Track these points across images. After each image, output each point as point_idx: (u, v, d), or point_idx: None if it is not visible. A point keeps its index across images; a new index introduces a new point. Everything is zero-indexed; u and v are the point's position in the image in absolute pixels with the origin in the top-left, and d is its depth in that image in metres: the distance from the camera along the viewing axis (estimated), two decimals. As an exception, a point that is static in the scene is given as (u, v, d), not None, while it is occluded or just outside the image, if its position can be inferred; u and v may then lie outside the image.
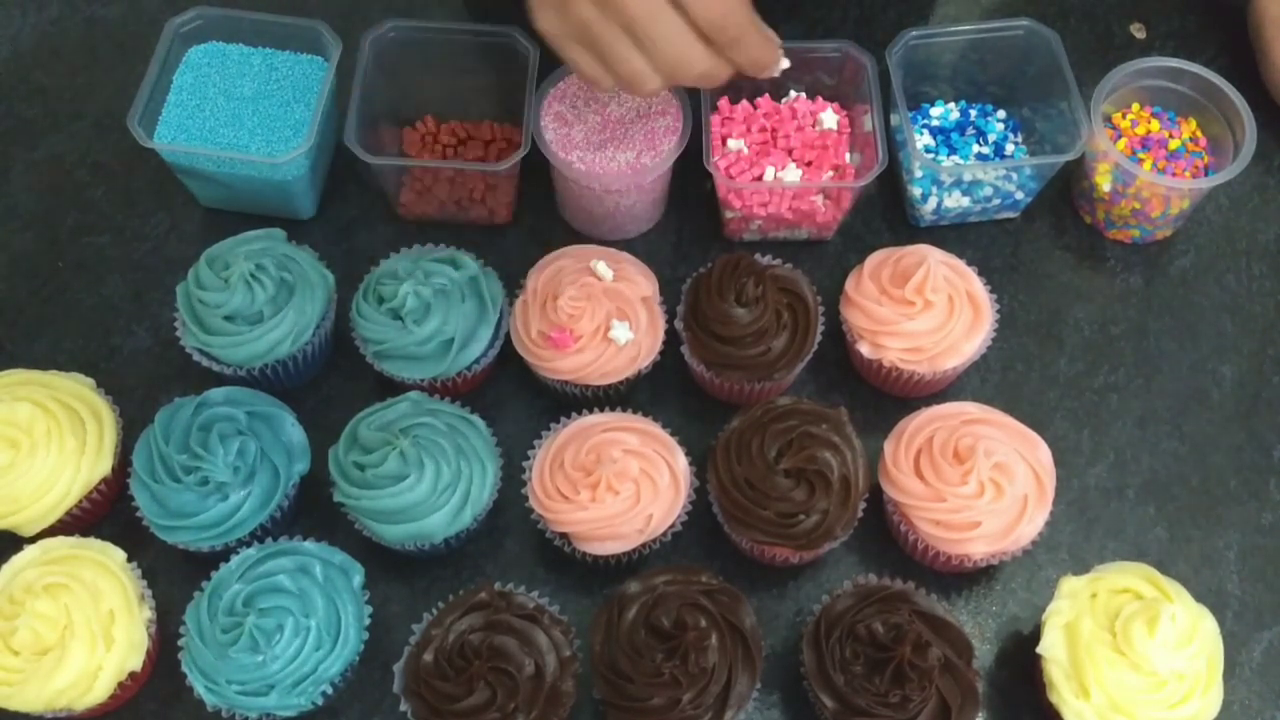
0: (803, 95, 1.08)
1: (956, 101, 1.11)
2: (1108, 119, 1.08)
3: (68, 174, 1.11)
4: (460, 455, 0.90)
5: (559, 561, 0.94)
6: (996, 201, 1.06)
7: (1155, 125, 1.07)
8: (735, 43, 0.85)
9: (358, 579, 0.89)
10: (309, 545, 0.89)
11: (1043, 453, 0.92)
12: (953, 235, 1.08)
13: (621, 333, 0.94)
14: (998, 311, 0.99)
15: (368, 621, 0.88)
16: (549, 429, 0.94)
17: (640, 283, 0.97)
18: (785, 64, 0.90)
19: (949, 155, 1.07)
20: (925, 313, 0.95)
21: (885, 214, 1.09)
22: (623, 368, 0.95)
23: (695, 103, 1.03)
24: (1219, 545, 0.96)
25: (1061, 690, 0.84)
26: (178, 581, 0.93)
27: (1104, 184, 1.04)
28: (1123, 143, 1.06)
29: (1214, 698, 0.84)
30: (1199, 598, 0.87)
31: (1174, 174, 1.05)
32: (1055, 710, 0.84)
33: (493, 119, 1.07)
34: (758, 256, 0.98)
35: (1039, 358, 1.03)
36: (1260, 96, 1.11)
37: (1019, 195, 1.05)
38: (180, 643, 0.87)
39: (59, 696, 0.84)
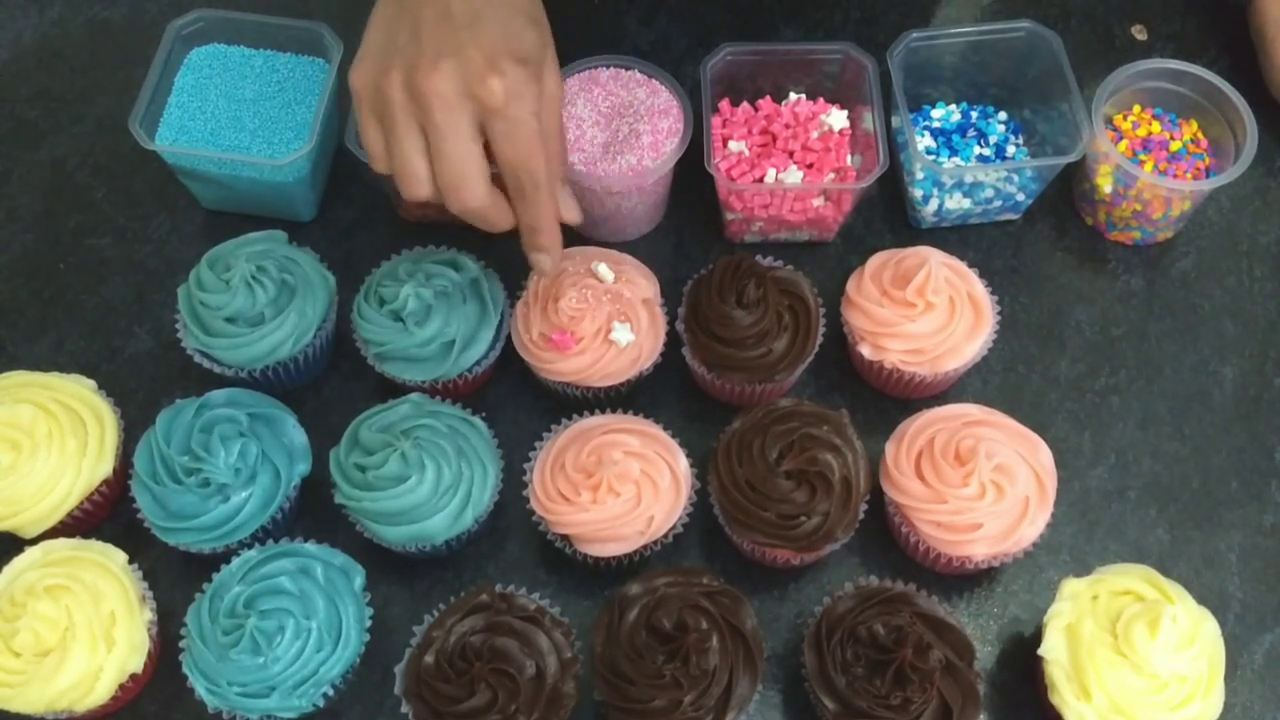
0: (804, 97, 1.08)
1: (957, 103, 1.11)
2: (1109, 121, 1.08)
3: (69, 176, 1.12)
4: (461, 457, 0.90)
5: (560, 563, 0.94)
6: (998, 203, 1.06)
7: (1156, 127, 1.07)
8: (522, 197, 0.82)
9: (359, 581, 0.89)
10: (310, 547, 0.89)
11: (1044, 454, 0.92)
12: (954, 237, 1.08)
13: (622, 334, 0.94)
14: (999, 313, 0.99)
15: (369, 623, 0.88)
16: (550, 431, 0.94)
17: (641, 284, 0.97)
18: (548, 265, 0.87)
19: (950, 157, 1.07)
20: (926, 314, 0.95)
21: (886, 215, 1.09)
22: (624, 369, 0.95)
23: (696, 105, 1.03)
24: (1220, 547, 0.96)
25: (1063, 692, 0.83)
26: (179, 583, 0.93)
27: (1105, 186, 1.04)
28: (1124, 144, 1.06)
29: (1215, 700, 0.84)
30: (1200, 600, 0.87)
31: (1175, 176, 1.05)
32: (1057, 712, 0.84)
33: (494, 121, 1.07)
34: (759, 258, 0.98)
35: (1040, 359, 1.03)
36: (1261, 98, 1.11)
37: (1020, 197, 1.05)
38: (181, 644, 0.87)
39: (60, 698, 0.84)
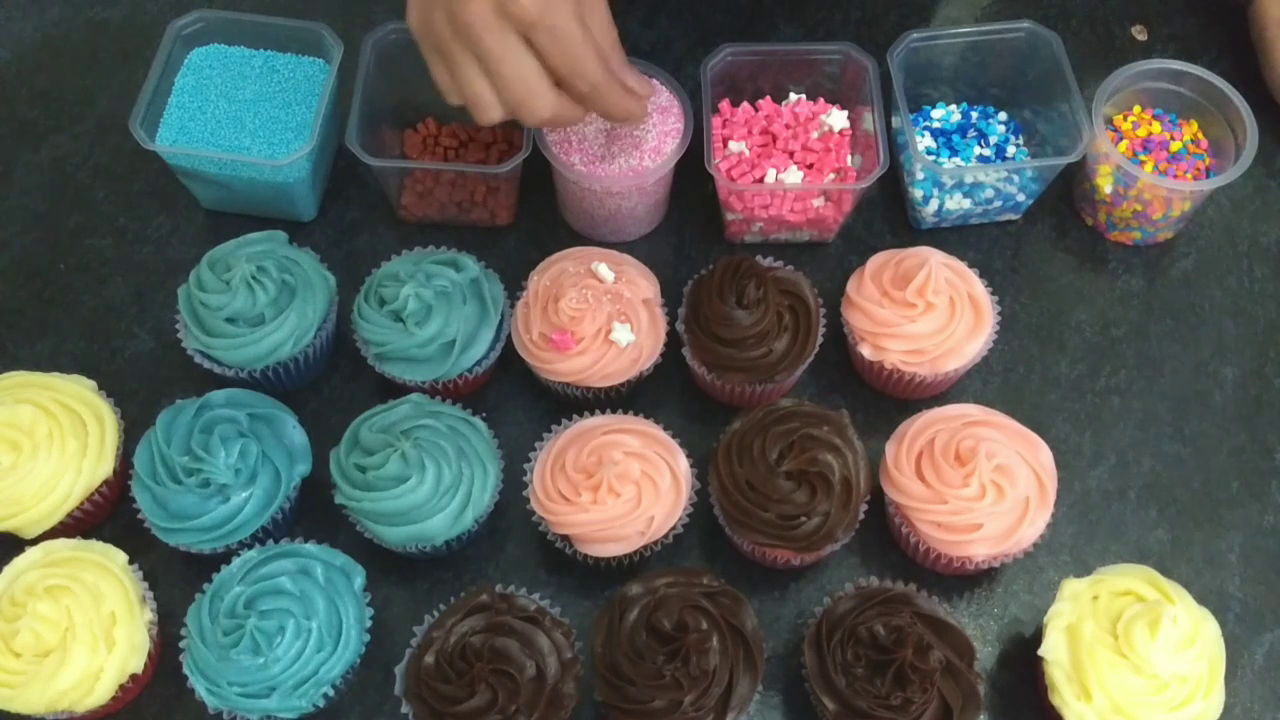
0: (804, 98, 1.08)
1: (958, 103, 1.11)
2: (1109, 121, 1.08)
3: (69, 176, 1.12)
4: (461, 457, 0.90)
5: (560, 563, 0.94)
6: (998, 203, 1.06)
7: (1156, 127, 1.07)
8: (586, 97, 0.86)
9: (359, 581, 0.89)
10: (310, 547, 0.89)
11: (1044, 455, 0.92)
12: (954, 237, 1.08)
13: (623, 335, 0.94)
14: (999, 313, 0.99)
15: (369, 624, 0.88)
16: (550, 431, 0.94)
17: (641, 285, 0.97)
18: (645, 116, 0.93)
19: (950, 157, 1.07)
20: (926, 315, 0.95)
21: (886, 216, 1.09)
22: (624, 370, 0.95)
23: (697, 105, 1.03)
24: (1221, 547, 0.96)
25: (1063, 692, 0.83)
26: (179, 583, 0.93)
27: (1105, 186, 1.04)
28: (1124, 145, 1.06)
29: (1216, 700, 0.84)
30: (1201, 600, 0.87)
31: (1175, 176, 1.05)
32: (1057, 712, 0.84)
33: (494, 121, 1.07)
34: (759, 258, 0.98)
35: (1040, 360, 1.03)
36: (1261, 98, 1.11)
37: (1020, 197, 1.05)
38: (182, 645, 0.87)
39: (60, 698, 0.84)
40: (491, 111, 0.85)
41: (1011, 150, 1.08)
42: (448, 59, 0.84)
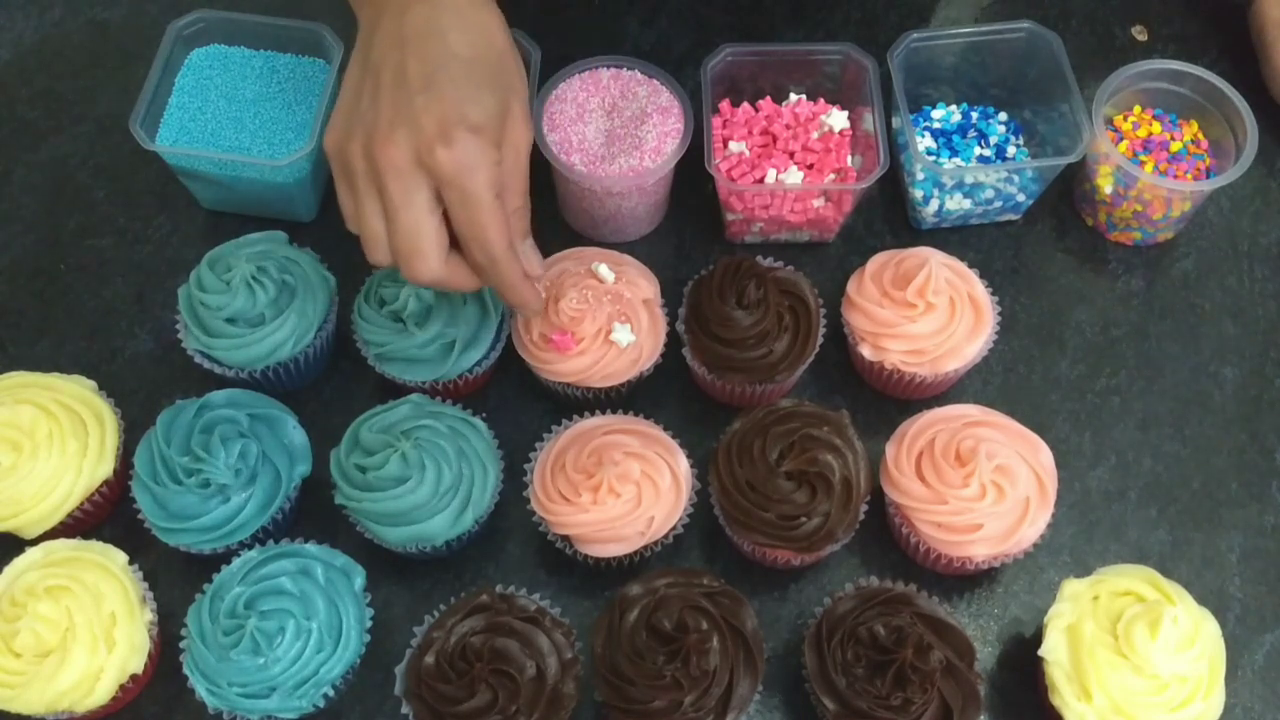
0: (804, 98, 1.08)
1: (958, 104, 1.11)
2: (1109, 121, 1.08)
3: (70, 176, 1.12)
4: (462, 458, 0.90)
5: (560, 564, 0.94)
6: (998, 204, 1.06)
7: (1157, 128, 1.07)
8: (483, 269, 0.83)
9: (359, 581, 0.89)
10: (310, 548, 0.89)
11: (1044, 455, 0.92)
12: (954, 237, 1.08)
13: (623, 335, 0.94)
14: (999, 314, 0.99)
15: (369, 624, 0.88)
16: (550, 431, 0.94)
17: (642, 285, 0.97)
18: (530, 313, 0.90)
19: (950, 158, 1.07)
20: (927, 315, 0.95)
21: (887, 216, 1.09)
22: (624, 370, 0.95)
23: (697, 105, 1.03)
24: (1221, 548, 0.96)
25: (1063, 693, 0.83)
26: (179, 584, 0.93)
27: (1105, 186, 1.04)
28: (1124, 145, 1.06)
29: (1216, 700, 0.84)
30: (1201, 600, 0.87)
31: (1175, 176, 1.05)
32: (1057, 713, 0.84)
33: (494, 121, 1.07)
34: (759, 259, 0.98)
35: (1040, 360, 1.03)
36: (1262, 99, 1.11)
37: (1020, 198, 1.05)
38: (182, 645, 0.87)
39: (60, 699, 0.84)
40: (380, 254, 0.82)
41: (1011, 150, 1.08)
42: (354, 189, 0.82)
